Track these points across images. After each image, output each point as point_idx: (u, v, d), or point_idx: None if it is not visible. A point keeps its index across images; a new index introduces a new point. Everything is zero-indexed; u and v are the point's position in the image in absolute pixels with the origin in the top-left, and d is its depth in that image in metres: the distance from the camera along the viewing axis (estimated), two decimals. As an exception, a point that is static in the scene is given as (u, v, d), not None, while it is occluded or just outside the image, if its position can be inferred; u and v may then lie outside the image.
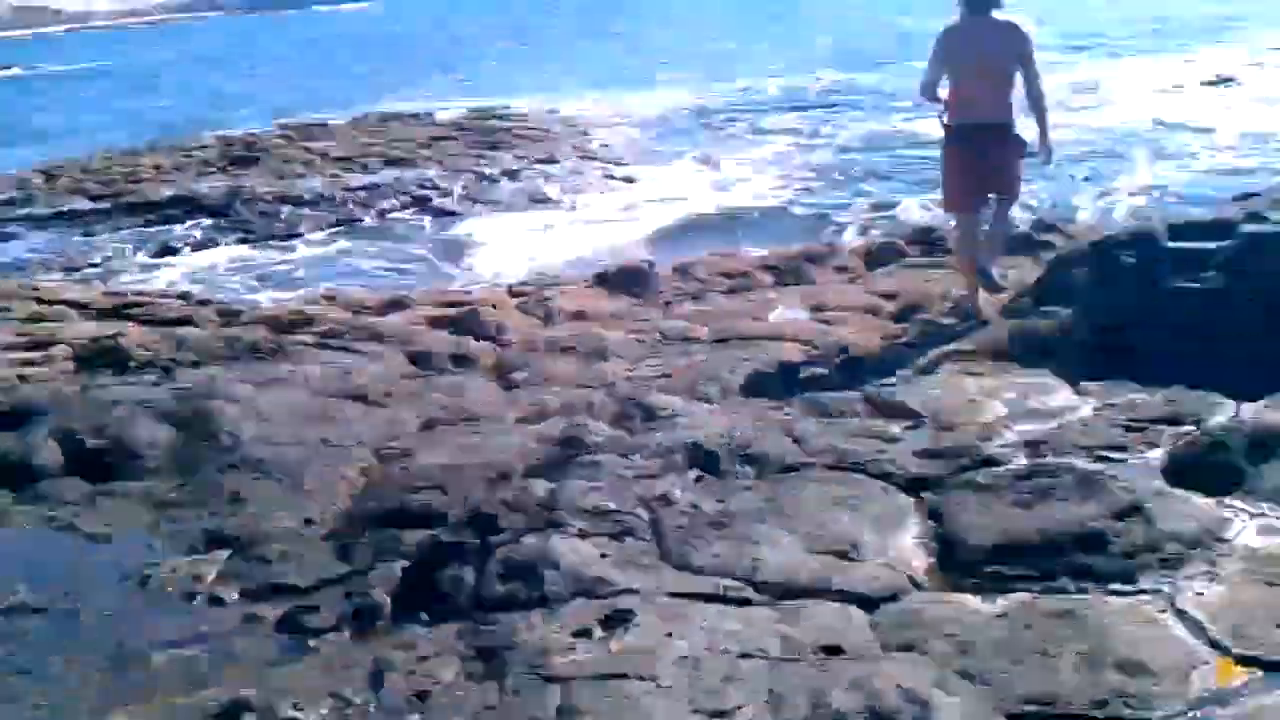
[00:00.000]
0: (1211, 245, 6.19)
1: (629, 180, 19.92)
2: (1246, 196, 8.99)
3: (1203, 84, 25.10)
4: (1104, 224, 10.04)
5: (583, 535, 4.25)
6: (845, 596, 3.88)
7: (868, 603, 3.85)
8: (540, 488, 4.62)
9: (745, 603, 3.85)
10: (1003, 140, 7.15)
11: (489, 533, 4.35)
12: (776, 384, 6.23)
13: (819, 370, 6.47)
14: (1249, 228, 6.18)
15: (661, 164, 21.17)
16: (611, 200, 18.27)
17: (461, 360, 7.38)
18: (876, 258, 10.04)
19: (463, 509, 4.62)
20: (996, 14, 6.98)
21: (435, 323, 8.39)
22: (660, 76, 36.67)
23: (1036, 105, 7.11)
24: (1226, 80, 25.09)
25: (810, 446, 4.98)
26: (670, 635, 3.62)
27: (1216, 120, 20.39)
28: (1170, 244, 6.37)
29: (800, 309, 8.26)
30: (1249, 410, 5.08)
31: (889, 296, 8.30)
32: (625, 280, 9.42)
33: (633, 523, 4.33)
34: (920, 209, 15.36)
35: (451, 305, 9.04)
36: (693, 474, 4.65)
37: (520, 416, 5.96)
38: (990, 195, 7.47)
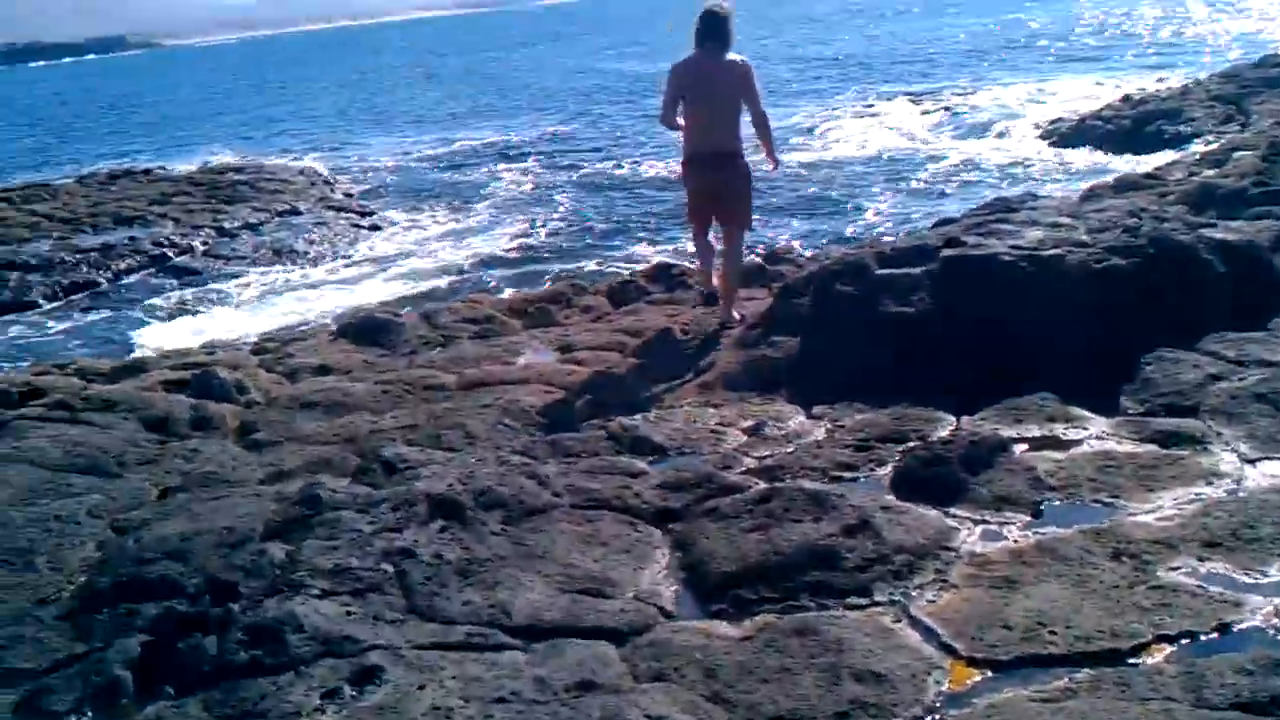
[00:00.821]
0: (917, 270, 6.57)
1: (375, 229, 19.71)
2: (944, 222, 9.63)
3: (924, 113, 26.73)
4: (825, 253, 10.48)
5: (325, 595, 4.17)
6: (597, 633, 3.91)
7: (619, 637, 3.89)
8: (279, 550, 4.50)
9: (497, 648, 3.84)
10: (730, 168, 7.81)
11: (229, 600, 4.21)
12: (523, 427, 6.26)
13: (565, 411, 6.54)
14: (948, 252, 6.59)
15: (408, 212, 21.02)
16: (357, 250, 18.04)
17: (201, 423, 7.10)
18: (620, 296, 10.21)
19: (201, 578, 4.45)
20: (725, 52, 7.59)
21: (172, 386, 8.05)
22: (407, 127, 36.57)
23: (760, 129, 7.86)
24: (945, 109, 26.80)
25: (556, 487, 5.01)
26: (422, 688, 3.58)
27: (934, 149, 21.73)
28: (880, 271, 6.72)
29: (548, 351, 8.31)
30: (967, 423, 5.42)
31: (633, 334, 8.43)
32: (370, 331, 9.27)
33: (376, 578, 4.26)
34: (654, 247, 15.76)
35: (189, 367, 8.69)
36: (437, 524, 4.60)
37: (261, 478, 5.79)
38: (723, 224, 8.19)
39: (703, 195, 8.13)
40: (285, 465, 5.94)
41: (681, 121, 7.90)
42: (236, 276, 16.80)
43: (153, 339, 13.39)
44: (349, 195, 23.47)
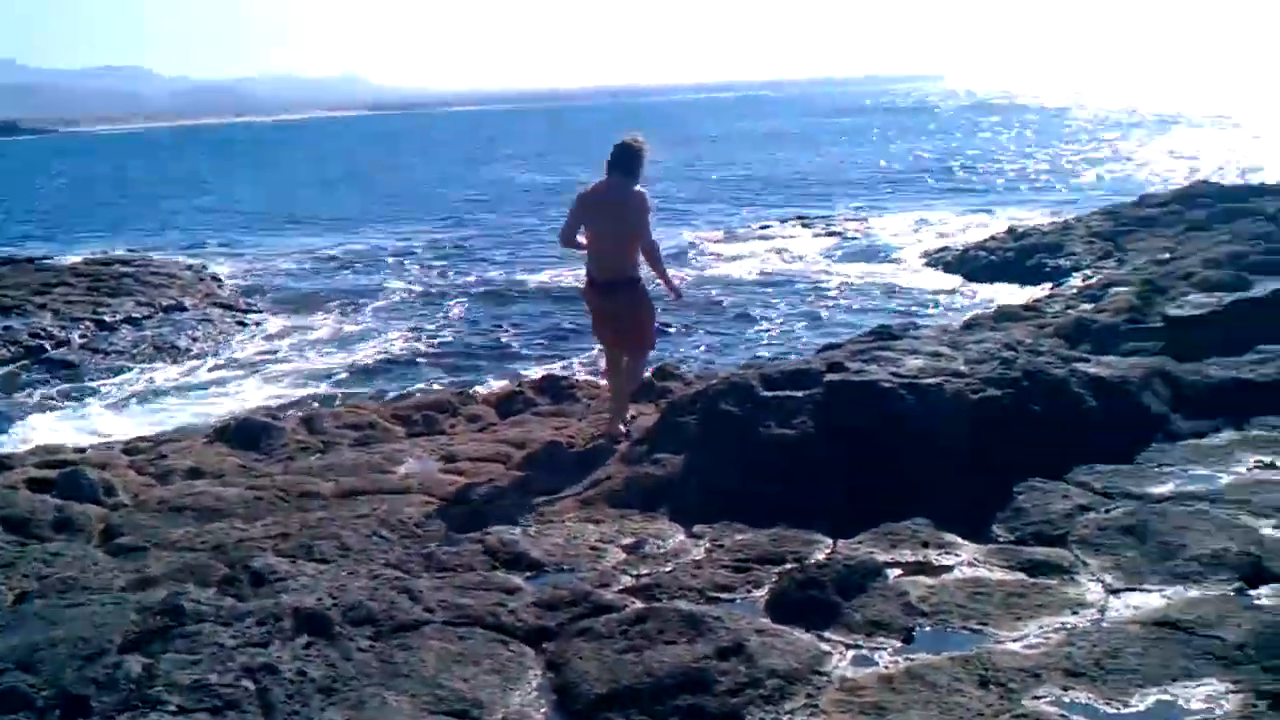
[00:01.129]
0: (800, 394, 6.66)
1: (262, 329, 19.45)
2: (829, 347, 9.82)
3: (815, 236, 27.38)
4: (713, 373, 10.59)
5: (181, 711, 4.00)
6: (462, 756, 3.82)
7: (485, 760, 3.80)
8: (137, 663, 4.32)
9: (357, 771, 3.72)
10: (625, 294, 8.08)
11: (80, 715, 4.02)
12: (399, 539, 6.14)
13: (444, 523, 6.43)
14: (831, 377, 6.70)
15: (297, 313, 20.79)
16: (241, 350, 17.75)
17: (64, 525, 6.86)
18: (507, 406, 10.17)
19: (52, 690, 4.25)
20: (630, 183, 7.93)
21: (37, 485, 7.77)
22: (304, 226, 36.41)
23: (650, 258, 8.05)
24: (836, 234, 27.48)
25: (429, 602, 4.91)
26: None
27: (824, 272, 22.22)
28: (765, 393, 6.80)
29: (430, 460, 8.21)
30: (843, 546, 5.46)
31: (518, 445, 8.38)
32: (248, 435, 9.08)
33: (236, 695, 4.10)
34: (544, 358, 15.80)
35: (57, 465, 8.40)
36: (302, 640, 4.47)
37: (123, 585, 5.58)
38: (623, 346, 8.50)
39: (602, 317, 8.42)
40: (149, 572, 5.73)
41: (583, 240, 8.16)
42: (114, 372, 16.40)
43: (21, 434, 12.96)
44: (237, 293, 23.20)
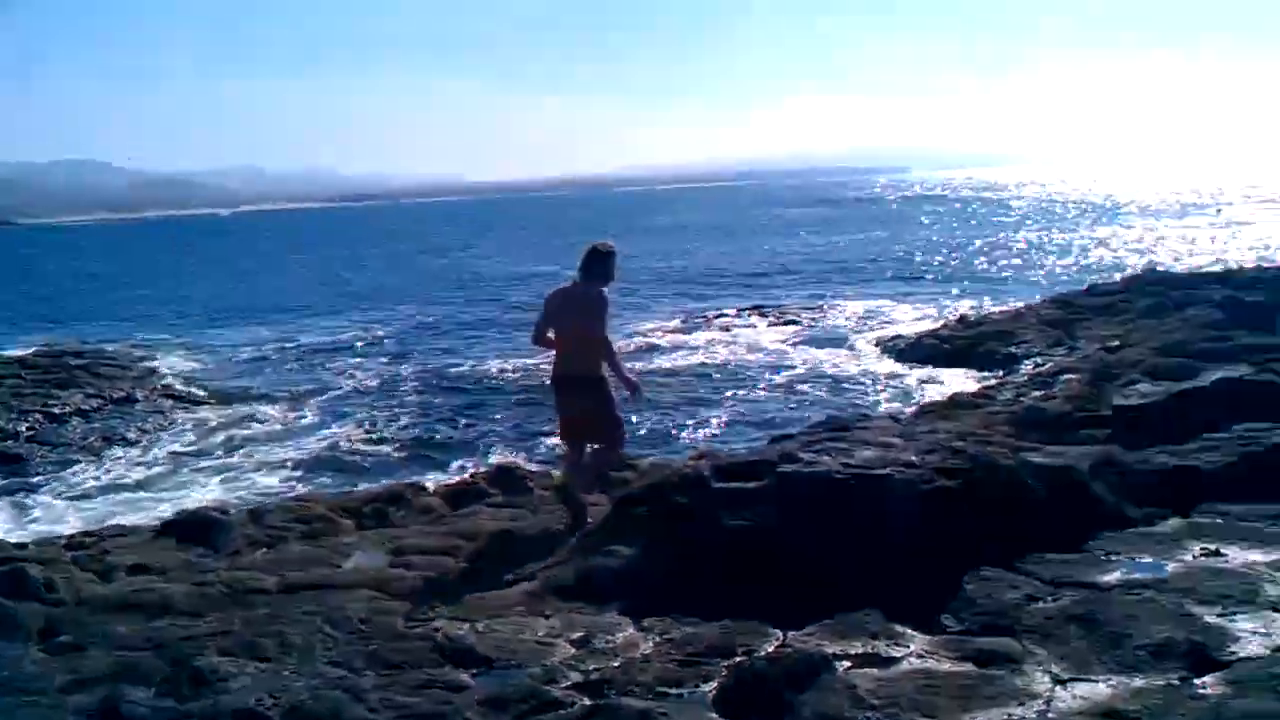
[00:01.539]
0: (752, 485, 6.66)
1: (212, 419, 19.25)
2: (782, 438, 9.84)
3: (771, 324, 27.60)
4: (666, 463, 10.57)
5: (112, 819, 3.89)
6: None
7: None
8: (68, 768, 4.21)
9: None
10: (587, 392, 8.29)
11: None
12: (344, 635, 6.04)
13: (390, 618, 6.34)
14: (784, 468, 6.71)
15: (250, 405, 20.61)
16: (192, 442, 17.56)
17: (2, 623, 6.70)
18: (459, 498, 10.10)
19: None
20: (599, 285, 8.23)
21: (-26, 582, 7.61)
22: (261, 317, 36.32)
23: (606, 355, 8.25)
24: (792, 321, 27.71)
25: (372, 702, 4.83)
26: None
27: (779, 361, 22.35)
28: (717, 484, 6.80)
29: (379, 554, 8.11)
30: (794, 638, 5.42)
31: (469, 537, 8.31)
32: (194, 529, 8.96)
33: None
34: (497, 449, 15.74)
35: (-2, 561, 8.25)
36: (240, 742, 4.38)
37: (60, 686, 5.45)
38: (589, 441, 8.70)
39: (568, 415, 8.63)
40: (87, 672, 5.60)
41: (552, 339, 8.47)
42: (62, 465, 16.14)
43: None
44: (190, 385, 22.97)
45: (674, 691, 5.00)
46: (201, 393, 21.98)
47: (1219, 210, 71.05)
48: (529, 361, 23.07)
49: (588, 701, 4.83)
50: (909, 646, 5.21)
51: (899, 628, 5.42)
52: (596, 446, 8.75)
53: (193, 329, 34.01)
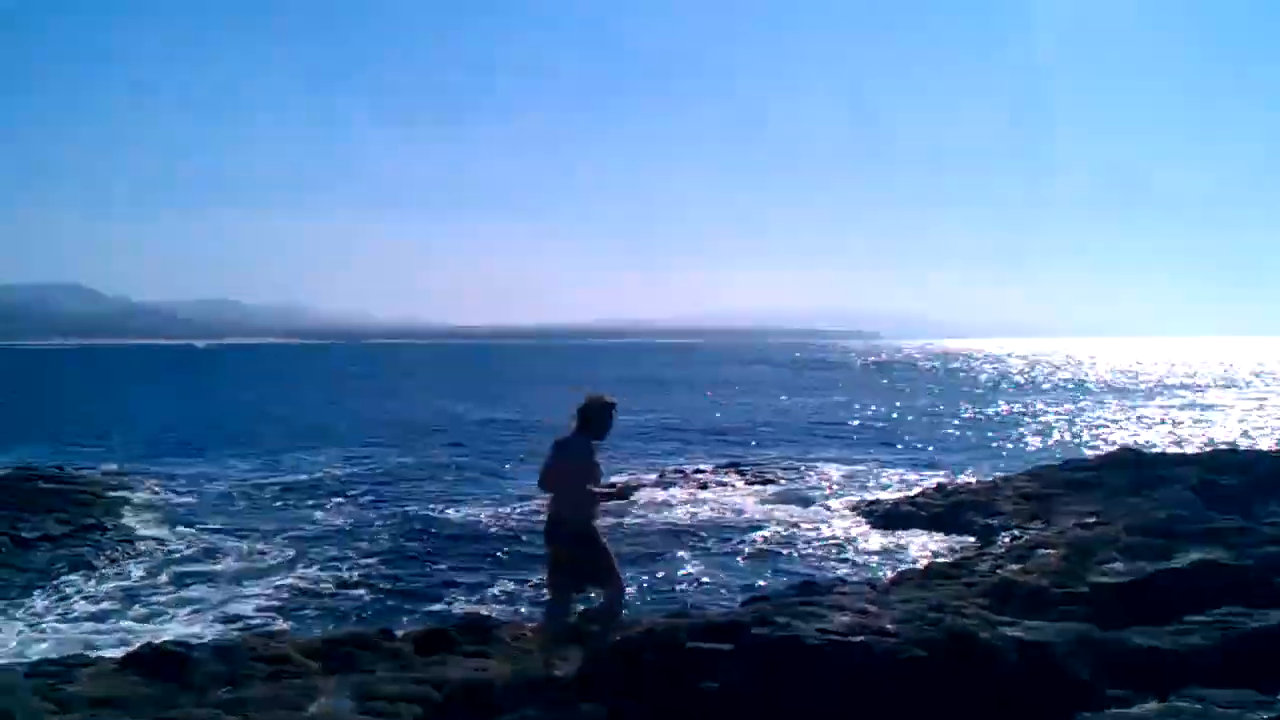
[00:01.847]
0: (727, 646, 6.61)
1: (181, 552, 19.02)
2: (757, 599, 9.79)
3: (748, 482, 27.61)
4: (640, 619, 10.48)
5: None
6: None
7: None
8: None
9: None
10: (571, 539, 8.31)
11: None
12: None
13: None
14: (758, 631, 6.68)
15: (221, 538, 20.38)
16: (160, 574, 17.31)
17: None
18: (429, 645, 9.95)
19: None
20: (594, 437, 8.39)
21: (-70, 709, 7.44)
22: (236, 449, 36.23)
23: (591, 494, 8.33)
24: (769, 480, 27.76)
25: None
26: None
27: (756, 520, 22.31)
28: (691, 644, 6.74)
29: (346, 699, 7.95)
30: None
31: (437, 685, 8.17)
32: (159, 664, 8.77)
33: None
34: (470, 597, 15.59)
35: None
36: None
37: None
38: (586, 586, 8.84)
39: (559, 564, 8.58)
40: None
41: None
42: (26, 590, 15.88)
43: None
44: (160, 515, 22.75)
45: None
46: (172, 524, 21.76)
47: (1197, 392, 72.18)
48: (501, 510, 23.02)
49: None
50: (884, 821, 5.13)
51: (874, 801, 5.34)
52: (601, 594, 8.72)
53: (168, 458, 33.80)
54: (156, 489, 26.90)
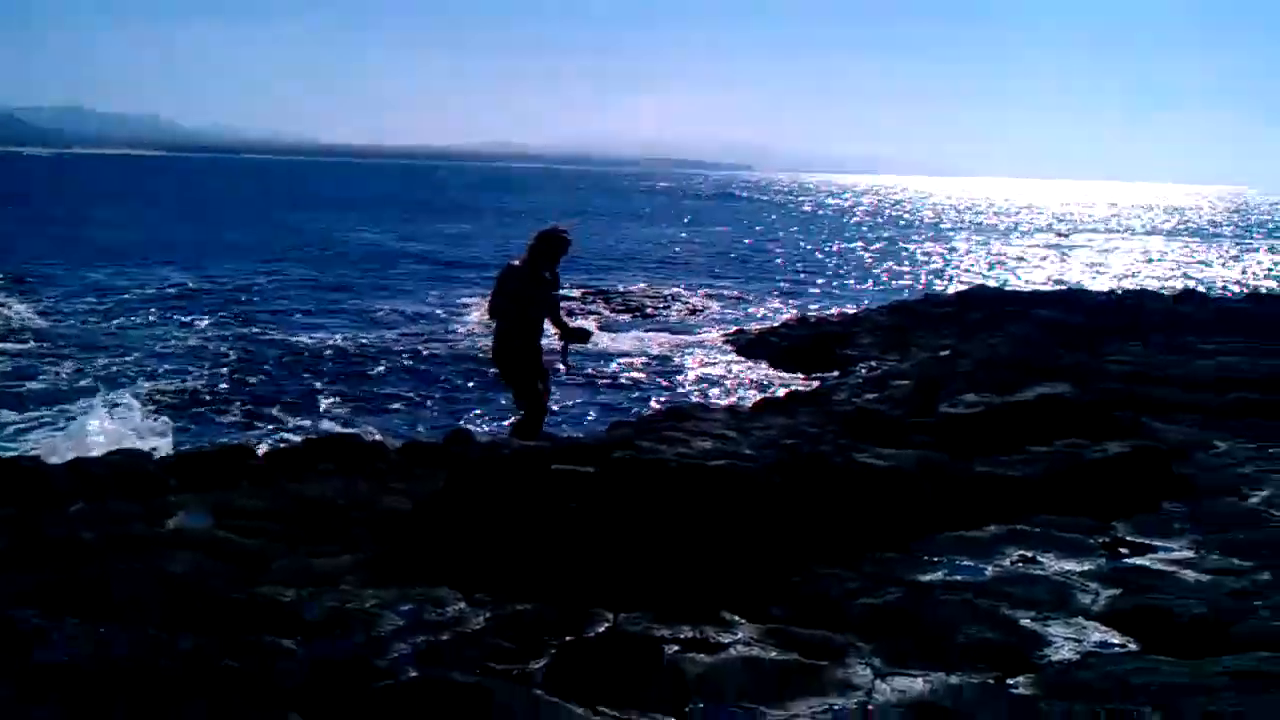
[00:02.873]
0: (589, 468, 6.69)
1: (34, 367, 18.52)
2: (621, 425, 9.94)
3: (614, 310, 27.72)
4: (506, 441, 10.56)
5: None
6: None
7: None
8: None
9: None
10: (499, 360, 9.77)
11: None
12: (164, 596, 5.87)
13: (214, 579, 6.18)
14: (619, 453, 6.77)
15: (75, 352, 19.86)
16: (12, 386, 16.84)
17: None
18: (292, 464, 9.89)
19: None
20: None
21: None
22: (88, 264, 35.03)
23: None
24: (635, 308, 27.93)
25: (195, 664, 4.70)
26: None
27: (622, 346, 22.50)
28: (555, 466, 6.81)
29: (205, 514, 7.88)
30: (624, 621, 5.47)
31: (299, 503, 8.15)
32: (7, 478, 8.58)
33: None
34: (341, 418, 15.50)
35: None
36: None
37: None
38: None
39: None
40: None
41: None
42: None
43: None
44: (11, 329, 22.03)
45: (503, 667, 4.98)
46: (28, 336, 21.11)
47: (1066, 235, 74.11)
48: (362, 335, 22.79)
49: (414, 673, 4.78)
50: (737, 634, 5.30)
51: (728, 616, 5.51)
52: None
53: (24, 267, 32.62)
54: (14, 299, 26.03)
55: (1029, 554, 6.35)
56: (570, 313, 27.64)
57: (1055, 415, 9.37)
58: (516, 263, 9.07)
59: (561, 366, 9.60)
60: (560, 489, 6.59)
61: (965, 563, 6.24)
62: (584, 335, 8.96)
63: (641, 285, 34.25)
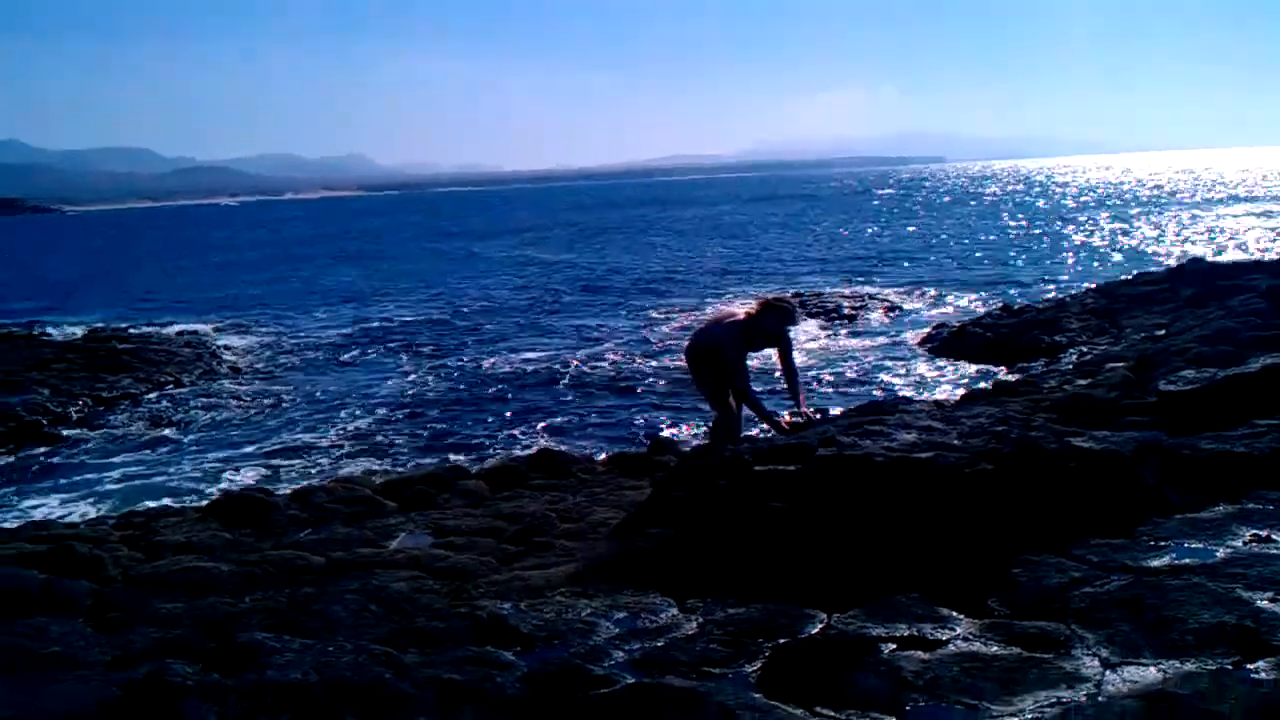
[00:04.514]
0: (793, 468, 6.62)
1: (259, 403, 19.42)
2: (822, 422, 9.78)
3: (810, 313, 27.50)
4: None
5: (162, 789, 3.93)
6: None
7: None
8: (117, 741, 4.26)
9: None
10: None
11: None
12: (387, 614, 6.08)
13: (433, 598, 6.37)
14: (823, 451, 6.68)
15: (296, 390, 20.77)
16: (239, 425, 17.71)
17: (52, 600, 6.79)
18: (501, 481, 10.13)
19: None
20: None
21: (27, 561, 7.71)
22: (309, 304, 36.72)
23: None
24: (832, 309, 27.59)
25: (417, 678, 4.85)
26: None
27: (822, 347, 22.25)
28: (758, 468, 6.77)
29: (424, 534, 8.16)
30: (837, 620, 5.40)
31: (511, 519, 8.34)
32: (240, 511, 9.03)
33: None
34: (547, 435, 15.77)
35: (48, 540, 8.36)
36: (285, 718, 4.40)
37: (108, 661, 5.51)
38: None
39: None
40: (134, 648, 5.67)
41: None
42: (111, 448, 16.34)
43: (14, 510, 12.92)
44: (235, 370, 23.20)
45: (718, 671, 4.98)
46: (248, 378, 22.20)
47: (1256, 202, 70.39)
48: (553, 353, 23.16)
49: (631, 679, 4.82)
50: (954, 630, 5.17)
51: (944, 611, 5.38)
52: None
53: (242, 313, 34.40)
54: (235, 342, 27.43)
55: (1262, 532, 5.99)
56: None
57: (1282, 387, 8.85)
58: (730, 325, 8.83)
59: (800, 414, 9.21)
60: (765, 490, 6.55)
61: (1193, 545, 5.93)
62: (777, 426, 8.72)
63: (837, 285, 33.94)
